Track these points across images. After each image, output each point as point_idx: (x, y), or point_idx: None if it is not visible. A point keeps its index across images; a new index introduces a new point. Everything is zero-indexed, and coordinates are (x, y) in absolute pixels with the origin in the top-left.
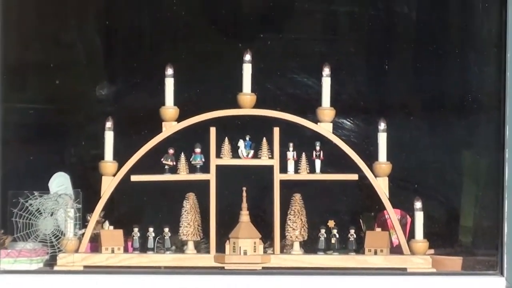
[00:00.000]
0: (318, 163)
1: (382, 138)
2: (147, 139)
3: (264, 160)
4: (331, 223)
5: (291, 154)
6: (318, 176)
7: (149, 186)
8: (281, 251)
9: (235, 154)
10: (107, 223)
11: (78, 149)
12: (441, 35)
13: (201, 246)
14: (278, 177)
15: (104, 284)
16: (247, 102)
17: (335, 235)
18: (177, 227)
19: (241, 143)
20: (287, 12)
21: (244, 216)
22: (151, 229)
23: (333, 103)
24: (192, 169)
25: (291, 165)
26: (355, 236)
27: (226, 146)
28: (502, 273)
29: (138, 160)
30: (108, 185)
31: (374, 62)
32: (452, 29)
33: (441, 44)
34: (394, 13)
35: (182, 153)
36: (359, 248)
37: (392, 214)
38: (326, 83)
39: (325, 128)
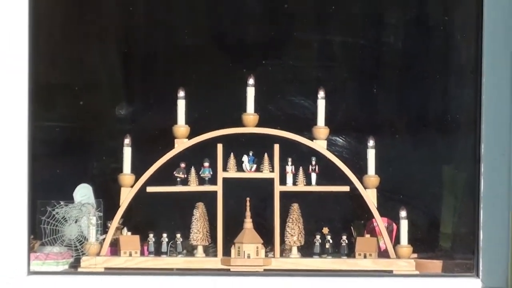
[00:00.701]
0: (313, 176)
1: (371, 154)
2: (161, 154)
3: (265, 174)
4: (325, 230)
5: (289, 168)
6: (314, 188)
7: (163, 196)
8: (281, 255)
9: (239, 168)
10: (125, 229)
11: (100, 163)
12: (424, 62)
13: (209, 250)
14: (278, 188)
15: (122, 284)
16: (250, 121)
17: (329, 240)
18: (187, 233)
19: (245, 158)
20: (286, 41)
21: (248, 223)
22: (164, 235)
23: (327, 123)
24: (201, 181)
25: (289, 178)
26: (346, 242)
27: (232, 160)
28: (478, 275)
29: (153, 173)
30: (126, 196)
31: (364, 86)
32: (433, 56)
33: (423, 70)
34: (382, 43)
35: (192, 167)
36: (350, 253)
37: (380, 222)
38: (321, 104)
39: (320, 145)
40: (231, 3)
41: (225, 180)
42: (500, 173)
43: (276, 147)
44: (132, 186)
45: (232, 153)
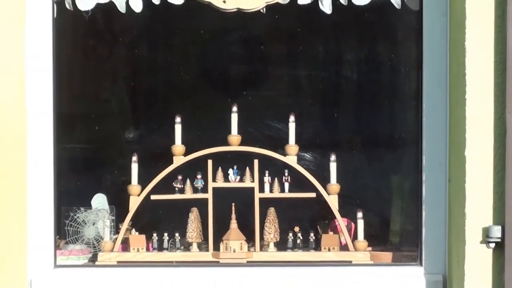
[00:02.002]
0: (286, 185)
1: (333, 166)
2: (162, 168)
3: (247, 183)
4: (296, 229)
5: (267, 179)
6: (287, 194)
7: (164, 203)
8: (261, 249)
9: (226, 179)
10: (133, 230)
11: (112, 176)
12: (375, 91)
13: (202, 246)
14: (257, 195)
15: (132, 275)
16: (234, 141)
17: (299, 237)
18: (184, 232)
19: (230, 171)
20: (262, 76)
21: (233, 224)
22: (165, 234)
23: (297, 141)
24: (195, 190)
25: (267, 187)
26: (314, 238)
27: (220, 173)
28: (421, 264)
29: (156, 184)
30: (134, 203)
31: (326, 111)
32: (382, 86)
33: (374, 97)
34: (340, 76)
35: (188, 179)
36: (317, 247)
37: (341, 222)
38: (292, 127)
39: (291, 160)
40: (217, 48)
41: (214, 189)
42: (438, 180)
43: (256, 162)
44: (139, 195)
45: (220, 167)
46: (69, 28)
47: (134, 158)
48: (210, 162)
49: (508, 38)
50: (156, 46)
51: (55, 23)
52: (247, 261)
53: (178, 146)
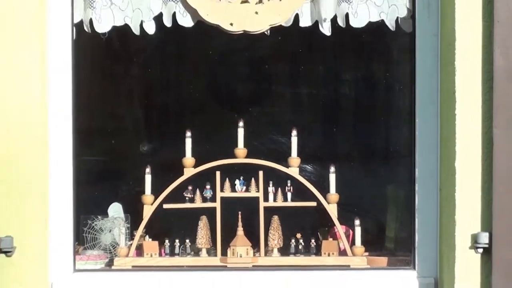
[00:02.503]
0: (289, 194)
1: (332, 177)
2: (173, 179)
3: (253, 193)
4: (298, 235)
5: (271, 189)
6: (289, 203)
7: (176, 211)
8: (265, 255)
9: (233, 189)
10: (147, 237)
11: (127, 187)
12: (372, 107)
13: (211, 252)
14: (262, 204)
15: (146, 278)
16: (241, 154)
17: (301, 243)
18: (194, 239)
19: (237, 182)
20: (267, 94)
21: (240, 231)
22: (177, 240)
23: (299, 154)
24: (204, 199)
25: (271, 196)
26: (314, 244)
27: (227, 183)
28: (414, 268)
29: (168, 193)
30: (147, 211)
31: (326, 126)
32: (379, 103)
33: (372, 113)
34: (339, 93)
35: (197, 189)
36: (318, 252)
37: (340, 229)
38: (294, 140)
39: (293, 171)
40: (225, 67)
41: (222, 198)
42: (430, 190)
43: (261, 173)
44: (152, 204)
45: (227, 178)
46: (87, 49)
47: (148, 169)
48: (218, 173)
49: (495, 58)
50: (168, 65)
51: (74, 45)
52: (253, 266)
53: (188, 159)
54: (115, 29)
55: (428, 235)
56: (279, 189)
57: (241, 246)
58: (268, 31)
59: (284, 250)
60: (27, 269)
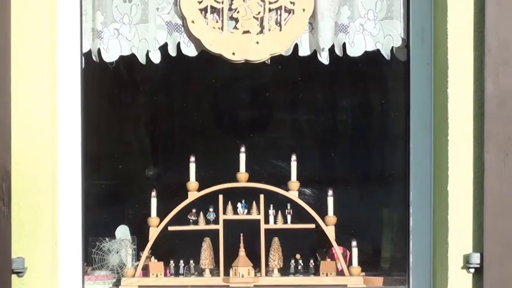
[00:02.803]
0: (289, 217)
1: (330, 201)
2: (178, 202)
3: (254, 216)
4: (298, 256)
5: (271, 211)
6: (289, 225)
7: (180, 233)
8: (266, 275)
9: (235, 211)
10: (153, 257)
11: (134, 210)
12: (368, 133)
13: (214, 272)
14: (263, 226)
15: None
16: (242, 178)
17: (300, 263)
18: (198, 259)
19: (239, 205)
20: (267, 120)
21: (242, 252)
22: (181, 261)
23: (298, 178)
24: (207, 222)
25: (271, 219)
26: (313, 264)
27: (229, 206)
28: (409, 287)
29: (173, 216)
30: (153, 233)
31: (324, 151)
32: (375, 129)
33: (368, 139)
34: (337, 119)
35: (201, 212)
36: (316, 272)
37: (337, 250)
38: (293, 165)
39: (293, 194)
40: (227, 95)
41: (224, 221)
42: (424, 213)
43: (262, 196)
44: (157, 226)
45: (229, 201)
46: (95, 77)
47: (153, 193)
48: (221, 196)
49: (486, 86)
50: (173, 93)
51: (83, 73)
52: (254, 286)
53: (192, 183)
54: (122, 58)
55: (422, 256)
56: (279, 211)
57: (243, 266)
58: (269, 60)
59: (284, 271)
60: None
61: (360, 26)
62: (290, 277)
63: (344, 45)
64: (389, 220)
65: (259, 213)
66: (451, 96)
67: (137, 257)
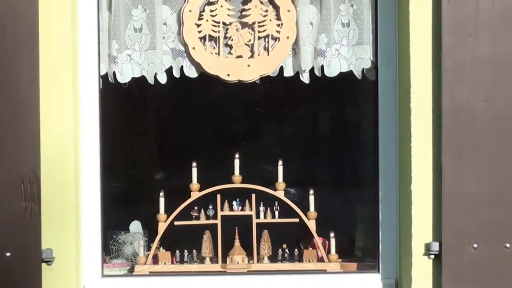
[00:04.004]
0: (276, 213)
1: (311, 198)
2: (182, 201)
3: (247, 212)
4: (284, 246)
5: (262, 208)
6: (277, 220)
7: (184, 227)
8: (257, 262)
9: (231, 208)
10: (161, 248)
11: (145, 207)
12: (343, 141)
13: (213, 260)
14: (254, 221)
15: (161, 281)
16: (237, 180)
17: (286, 252)
18: (199, 249)
19: (234, 203)
20: (258, 131)
21: (237, 242)
22: (185, 251)
23: (284, 180)
24: (207, 217)
25: (262, 214)
26: (297, 253)
27: (226, 204)
28: (379, 271)
29: (178, 213)
30: (161, 227)
31: (306, 157)
32: (349, 138)
33: (343, 146)
34: (317, 130)
35: (202, 209)
36: (300, 259)
37: (318, 240)
38: (280, 169)
39: (280, 194)
40: (223, 110)
41: (222, 216)
42: (391, 209)
43: (253, 195)
44: (165, 221)
45: (226, 200)
46: (111, 96)
47: (161, 193)
48: (218, 196)
49: (443, 100)
50: (177, 109)
51: (100, 93)
52: (247, 271)
53: (194, 184)
54: (133, 79)
55: (390, 245)
56: (268, 208)
57: (238, 255)
58: (258, 80)
59: (273, 258)
60: (64, 275)
61: (335, 50)
62: (278, 264)
63: (322, 67)
64: (361, 215)
65: (251, 210)
66: (413, 110)
67: (148, 248)
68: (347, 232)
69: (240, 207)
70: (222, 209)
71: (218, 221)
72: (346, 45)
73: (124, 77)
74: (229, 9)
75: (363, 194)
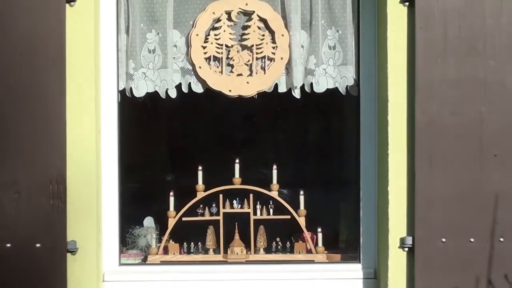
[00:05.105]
0: (271, 210)
1: (301, 198)
2: (189, 200)
3: (245, 209)
4: (278, 239)
5: (258, 206)
6: (271, 217)
7: (191, 222)
8: (254, 253)
9: (231, 207)
10: (171, 240)
11: (157, 205)
12: (330, 148)
13: (216, 251)
14: (252, 217)
15: (171, 269)
16: (237, 182)
17: (279, 244)
18: (204, 242)
19: (234, 201)
20: (255, 139)
21: (236, 236)
22: (192, 243)
23: (278, 181)
24: (211, 214)
25: (258, 212)
26: (289, 245)
27: (227, 203)
28: (360, 262)
29: (185, 210)
30: (171, 223)
31: (297, 162)
32: (334, 146)
33: (330, 153)
34: (307, 139)
35: (206, 207)
36: (291, 251)
37: (307, 234)
38: (274, 172)
39: (274, 194)
40: (226, 120)
41: (224, 213)
42: (371, 207)
43: (251, 195)
44: (174, 217)
45: (227, 199)
46: (128, 108)
47: (171, 193)
48: (221, 195)
49: (416, 113)
50: (185, 119)
51: (119, 106)
52: (246, 260)
53: (200, 185)
54: (148, 94)
55: (369, 238)
56: (264, 206)
57: (237, 246)
58: (256, 95)
59: (268, 250)
60: (87, 263)
61: (323, 70)
62: (272, 254)
63: (311, 84)
64: (345, 212)
65: (249, 208)
66: (391, 121)
67: (159, 240)
68: (332, 227)
69: (240, 206)
70: (224, 207)
71: (220, 218)
72: (332, 65)
73: (139, 92)
74: (231, 34)
75: (346, 194)
